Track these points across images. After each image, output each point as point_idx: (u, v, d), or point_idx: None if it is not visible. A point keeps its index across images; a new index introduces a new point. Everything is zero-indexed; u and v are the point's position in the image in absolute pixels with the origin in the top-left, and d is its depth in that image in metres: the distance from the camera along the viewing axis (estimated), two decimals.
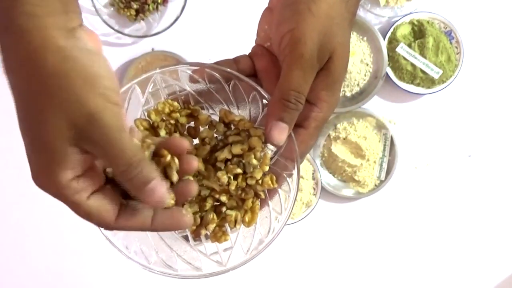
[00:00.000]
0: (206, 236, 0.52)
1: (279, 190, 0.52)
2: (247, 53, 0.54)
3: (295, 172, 0.50)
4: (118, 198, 0.42)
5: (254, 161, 0.49)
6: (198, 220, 0.51)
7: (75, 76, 0.36)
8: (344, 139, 1.07)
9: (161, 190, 0.40)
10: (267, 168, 0.50)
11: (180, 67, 0.50)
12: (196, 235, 0.51)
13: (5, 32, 0.36)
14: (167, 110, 0.49)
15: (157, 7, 1.04)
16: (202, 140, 0.51)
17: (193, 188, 0.44)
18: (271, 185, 0.50)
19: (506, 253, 1.11)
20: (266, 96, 0.49)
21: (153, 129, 0.50)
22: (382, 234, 1.10)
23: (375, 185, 1.07)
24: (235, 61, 0.52)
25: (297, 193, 0.50)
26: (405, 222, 1.10)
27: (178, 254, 0.51)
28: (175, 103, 0.50)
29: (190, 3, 1.02)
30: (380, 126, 1.07)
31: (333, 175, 1.09)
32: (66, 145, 0.37)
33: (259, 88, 0.49)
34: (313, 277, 1.09)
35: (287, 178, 0.51)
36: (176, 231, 0.52)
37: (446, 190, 1.10)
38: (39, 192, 0.39)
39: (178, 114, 0.50)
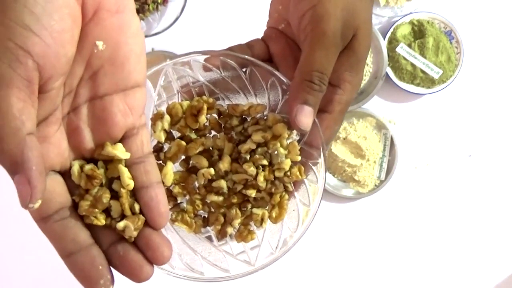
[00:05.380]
0: (231, 236, 0.49)
1: (305, 180, 0.48)
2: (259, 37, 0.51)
3: (321, 160, 0.47)
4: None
5: (281, 150, 0.46)
6: (222, 219, 0.48)
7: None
8: (344, 139, 1.07)
9: (27, 185, 0.30)
10: (298, 158, 0.46)
11: (192, 57, 0.47)
12: (223, 235, 0.48)
13: None
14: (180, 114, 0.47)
15: (157, 7, 1.04)
16: (226, 133, 0.48)
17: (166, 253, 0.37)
18: (299, 177, 0.46)
19: (506, 253, 1.11)
20: (285, 81, 0.46)
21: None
22: (382, 234, 1.10)
23: (375, 185, 1.07)
24: (249, 46, 0.50)
25: (325, 182, 0.47)
26: (405, 222, 1.10)
27: (203, 256, 0.48)
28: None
29: (190, 3, 1.02)
30: (380, 126, 1.07)
31: (333, 175, 1.08)
32: None
33: (277, 73, 0.46)
34: (313, 277, 1.09)
35: (313, 167, 0.48)
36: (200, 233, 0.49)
37: (446, 190, 1.10)
38: None
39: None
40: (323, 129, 0.46)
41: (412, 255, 1.10)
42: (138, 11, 1.02)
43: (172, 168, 0.47)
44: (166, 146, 0.49)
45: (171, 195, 0.49)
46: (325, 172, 0.47)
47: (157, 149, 0.49)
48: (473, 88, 1.10)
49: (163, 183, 0.46)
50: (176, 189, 0.48)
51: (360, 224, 1.10)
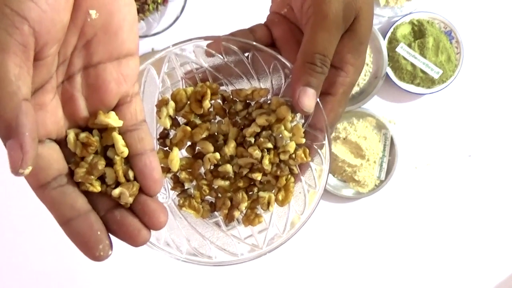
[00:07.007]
0: (238, 220, 0.49)
1: (310, 163, 0.49)
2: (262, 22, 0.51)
3: (326, 142, 0.47)
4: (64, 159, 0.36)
5: (286, 133, 0.46)
6: (229, 203, 0.48)
7: None
8: (344, 139, 1.07)
9: (19, 151, 0.30)
10: (303, 141, 0.47)
11: (194, 42, 0.47)
12: (230, 219, 0.48)
13: None
14: (184, 100, 0.47)
15: (157, 7, 1.04)
16: (231, 119, 0.48)
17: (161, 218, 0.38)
18: (305, 159, 0.47)
19: (506, 253, 1.11)
20: (288, 65, 0.46)
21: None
22: (382, 234, 1.10)
23: (375, 185, 1.07)
24: (251, 31, 0.50)
25: (330, 164, 0.48)
26: (405, 222, 1.10)
27: (211, 241, 0.48)
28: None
29: (190, 3, 1.02)
30: (380, 126, 1.07)
31: (333, 175, 1.08)
32: None
33: (279, 56, 0.47)
34: (312, 277, 1.09)
35: (318, 150, 0.48)
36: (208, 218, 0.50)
37: (446, 190, 1.10)
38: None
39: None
40: (327, 111, 0.46)
41: (412, 255, 1.10)
42: (138, 11, 1.03)
43: (178, 154, 0.47)
44: (171, 133, 0.49)
45: (178, 181, 0.49)
46: (330, 155, 0.47)
47: (163, 136, 0.49)
48: (473, 88, 1.10)
49: (169, 169, 0.46)
50: (183, 175, 0.48)
51: (360, 224, 1.10)
